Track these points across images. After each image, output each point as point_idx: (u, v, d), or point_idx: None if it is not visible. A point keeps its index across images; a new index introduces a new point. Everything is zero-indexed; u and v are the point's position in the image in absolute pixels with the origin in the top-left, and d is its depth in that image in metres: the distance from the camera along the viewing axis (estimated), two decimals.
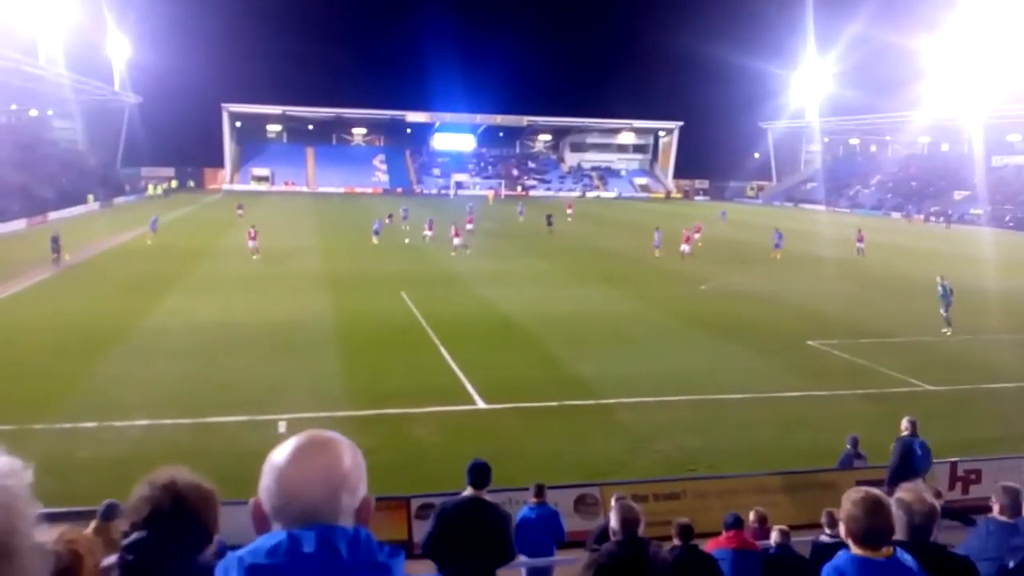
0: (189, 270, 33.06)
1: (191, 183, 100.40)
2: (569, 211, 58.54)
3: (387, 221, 50.44)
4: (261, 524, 1.65)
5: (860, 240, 43.43)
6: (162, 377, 17.71)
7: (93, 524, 7.06)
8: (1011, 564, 3.09)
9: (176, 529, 2.23)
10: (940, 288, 24.48)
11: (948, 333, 23.69)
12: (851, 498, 3.54)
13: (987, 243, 55.30)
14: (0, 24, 63.95)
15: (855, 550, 3.42)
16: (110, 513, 7.17)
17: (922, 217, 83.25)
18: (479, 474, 6.89)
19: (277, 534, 1.57)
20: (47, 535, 1.68)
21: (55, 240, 33.73)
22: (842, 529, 3.53)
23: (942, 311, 24.22)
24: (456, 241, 41.13)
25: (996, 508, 5.71)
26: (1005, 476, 7.69)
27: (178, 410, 15.36)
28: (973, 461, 12.32)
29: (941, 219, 79.59)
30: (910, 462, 10.52)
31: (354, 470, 1.66)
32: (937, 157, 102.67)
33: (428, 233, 45.46)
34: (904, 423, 10.98)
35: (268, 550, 1.55)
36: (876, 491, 3.59)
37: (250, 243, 37.80)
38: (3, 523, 1.37)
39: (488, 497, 6.91)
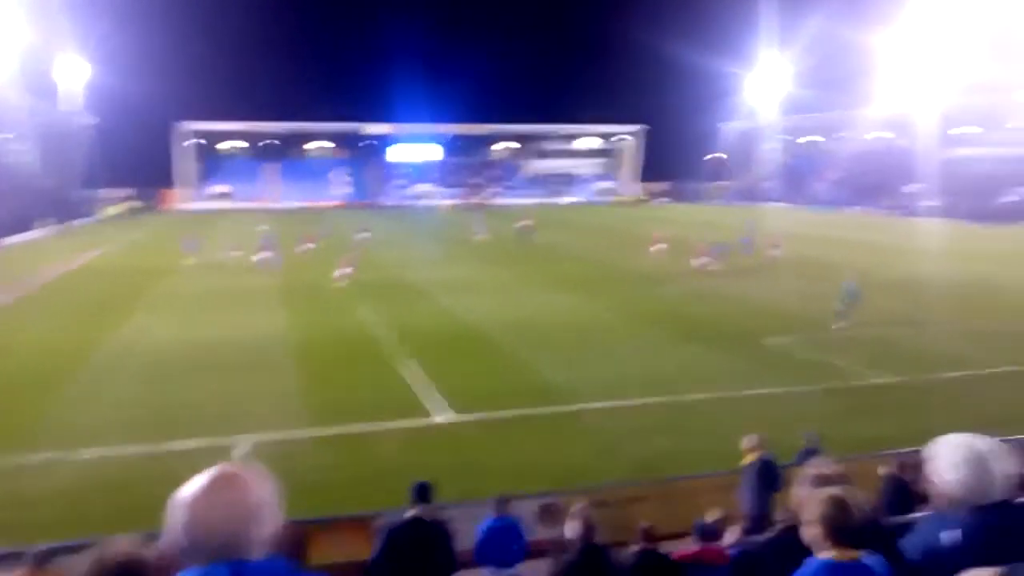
0: (141, 292, 32.56)
1: (143, 204, 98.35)
2: (525, 222, 54.25)
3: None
4: (171, 565, 1.64)
5: (775, 247, 40.67)
6: (115, 403, 17.36)
7: (21, 572, 6.54)
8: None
9: None
10: (846, 287, 24.81)
11: (842, 326, 24.02)
12: (817, 498, 3.58)
13: (940, 234, 56.47)
14: None
15: (823, 553, 3.46)
16: (43, 559, 6.75)
17: (877, 210, 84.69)
18: (421, 494, 7.32)
19: (189, 572, 1.55)
20: None
21: None
22: (808, 531, 3.55)
23: (840, 306, 24.54)
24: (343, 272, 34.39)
25: (935, 497, 5.83)
26: None
27: (133, 437, 15.05)
28: (923, 451, 12.49)
29: (897, 212, 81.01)
30: (764, 482, 10.19)
31: (264, 503, 1.64)
32: (890, 151, 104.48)
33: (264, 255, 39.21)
34: (751, 441, 10.53)
35: None
36: (842, 490, 3.64)
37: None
38: None
39: (441, 514, 7.08)
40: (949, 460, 3.07)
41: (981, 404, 16.54)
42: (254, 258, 38.46)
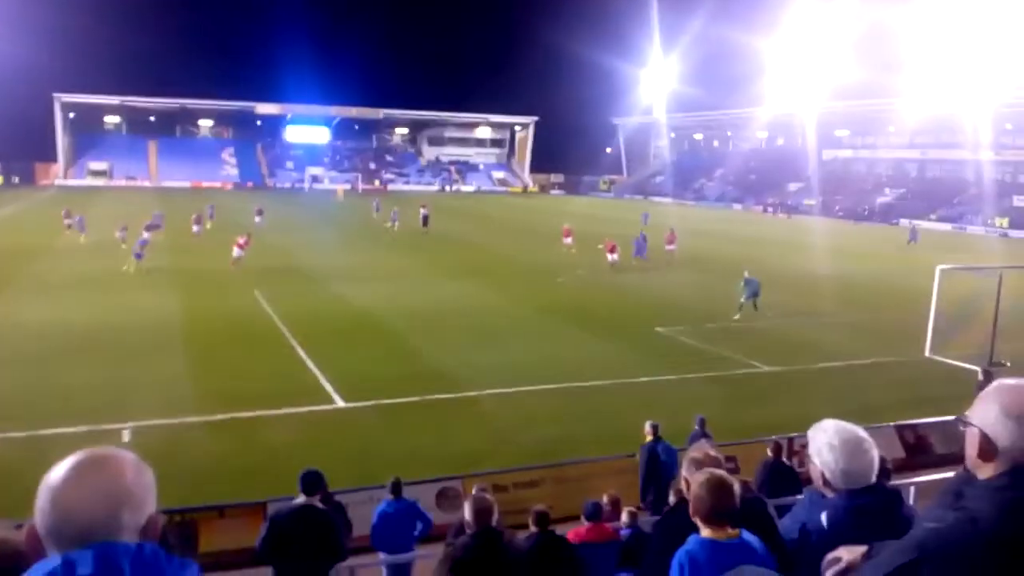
0: (16, 272, 30.70)
1: (16, 179, 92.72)
2: (423, 210, 52.51)
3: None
4: (36, 550, 1.56)
5: (671, 243, 39.58)
6: None
7: None
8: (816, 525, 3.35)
9: None
10: (744, 280, 25.85)
11: (737, 319, 24.99)
12: (697, 480, 3.73)
13: (820, 232, 59.38)
14: None
15: (704, 532, 3.61)
16: None
17: (761, 208, 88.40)
18: (309, 482, 7.32)
19: (51, 560, 1.48)
20: None
21: None
22: (692, 511, 3.70)
23: (741, 299, 25.51)
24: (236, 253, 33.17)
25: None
26: None
27: (10, 422, 14.26)
28: (804, 436, 13.15)
29: (778, 210, 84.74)
30: (656, 467, 10.65)
31: (137, 487, 1.57)
32: (774, 151, 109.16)
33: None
34: (646, 428, 11.02)
35: None
36: (721, 472, 3.80)
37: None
38: None
39: (338, 499, 7.09)
40: (827, 443, 3.25)
41: (855, 392, 17.53)
42: (145, 234, 36.55)
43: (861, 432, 3.27)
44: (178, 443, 13.43)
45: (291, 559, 6.90)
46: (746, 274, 26.24)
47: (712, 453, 4.70)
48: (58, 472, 1.56)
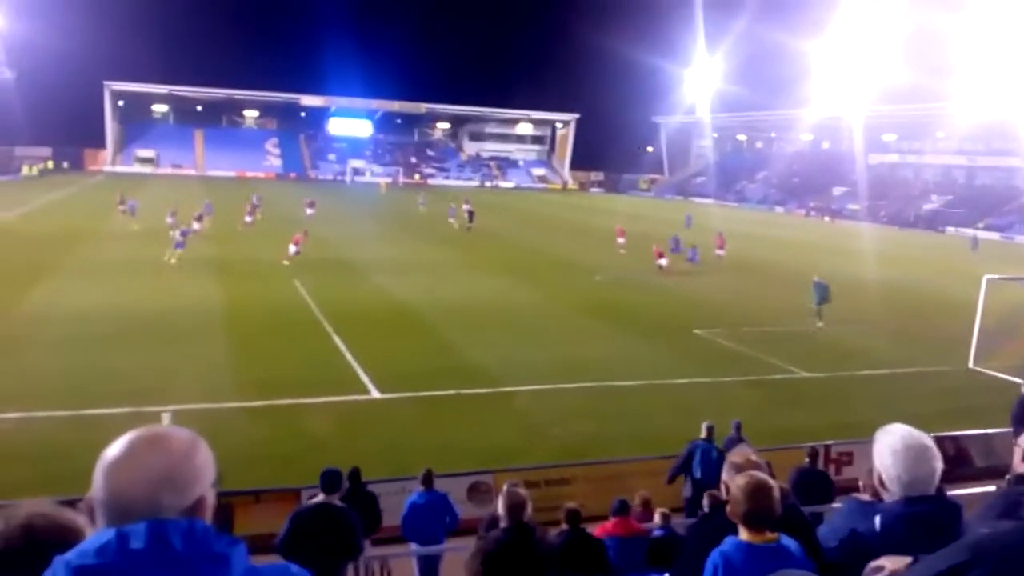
0: (65, 256, 31.40)
1: (66, 164, 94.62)
2: (466, 206, 51.68)
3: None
4: (95, 521, 1.61)
5: (720, 247, 39.14)
6: (39, 368, 16.79)
7: None
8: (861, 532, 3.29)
9: (31, 569, 2.11)
10: (815, 285, 25.42)
11: (821, 326, 24.55)
12: (738, 482, 3.70)
13: (864, 237, 58.39)
14: None
15: (742, 535, 3.59)
16: None
17: (803, 212, 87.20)
18: (329, 480, 7.62)
19: (105, 532, 1.51)
20: None
21: None
22: (731, 514, 3.69)
23: (814, 305, 25.12)
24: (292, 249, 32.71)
25: (862, 487, 6.08)
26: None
27: (56, 402, 14.61)
28: (846, 444, 13.00)
29: (823, 214, 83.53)
30: (689, 463, 10.71)
31: (184, 468, 1.60)
32: (819, 154, 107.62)
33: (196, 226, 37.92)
34: (703, 427, 11.07)
35: (96, 550, 1.49)
36: (762, 475, 3.77)
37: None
38: None
39: (372, 489, 7.25)
40: (889, 447, 3.19)
41: (895, 401, 17.22)
42: (195, 224, 37.01)
43: (927, 440, 3.20)
44: (216, 428, 13.61)
45: (310, 554, 7.08)
46: (816, 278, 25.79)
47: (753, 458, 4.66)
48: (114, 448, 1.60)
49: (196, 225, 35.89)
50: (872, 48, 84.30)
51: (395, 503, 9.45)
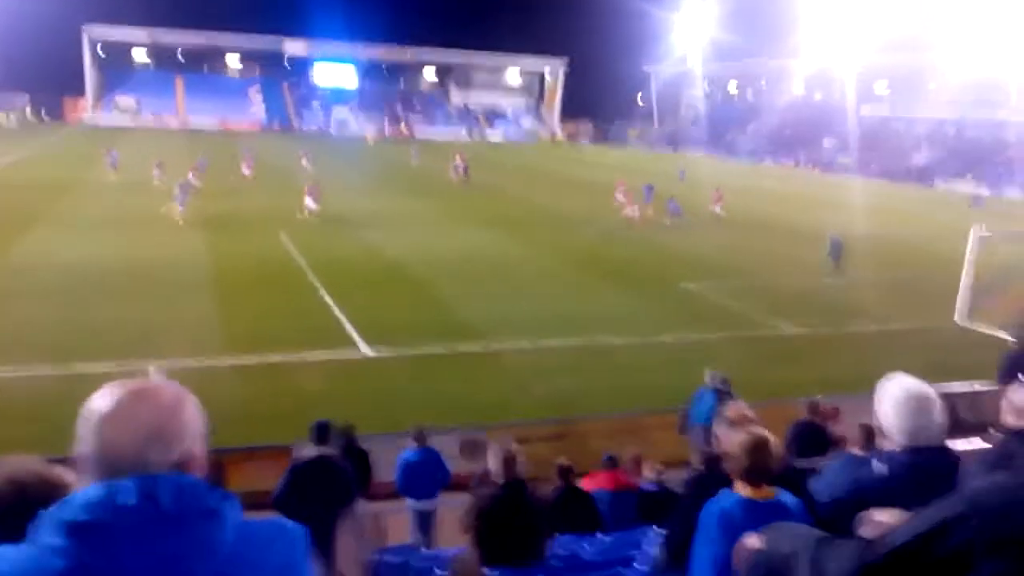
0: (50, 207, 30.99)
1: (43, 112, 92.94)
2: (459, 160, 50.16)
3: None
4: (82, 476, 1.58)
5: (717, 201, 37.63)
6: (21, 323, 16.66)
7: None
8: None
9: (19, 524, 2.06)
10: (830, 241, 25.53)
11: (830, 282, 24.47)
12: (737, 439, 3.68)
13: (856, 190, 58.21)
14: None
15: (740, 489, 3.57)
16: None
17: (793, 163, 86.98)
18: (321, 432, 7.89)
19: (93, 487, 1.48)
20: None
21: None
22: (727, 466, 3.67)
23: (828, 260, 25.33)
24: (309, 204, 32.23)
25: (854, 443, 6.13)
26: (864, 415, 8.21)
27: (40, 358, 14.51)
28: (832, 399, 13.07)
29: (813, 166, 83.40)
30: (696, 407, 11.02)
31: (173, 422, 1.57)
32: (810, 106, 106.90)
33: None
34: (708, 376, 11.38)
35: (84, 505, 1.46)
36: (762, 431, 3.75)
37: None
38: None
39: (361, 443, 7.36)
40: (891, 396, 3.17)
41: (883, 357, 17.31)
42: (191, 177, 36.13)
43: (929, 389, 3.19)
44: (204, 384, 13.47)
45: (305, 507, 7.12)
46: (831, 234, 25.86)
47: (748, 413, 4.65)
48: (100, 401, 1.55)
49: (191, 178, 35.12)
50: None
51: (387, 459, 9.47)
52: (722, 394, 12.51)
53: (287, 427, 11.41)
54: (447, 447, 10.45)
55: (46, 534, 1.44)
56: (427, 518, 9.04)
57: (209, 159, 46.86)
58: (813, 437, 9.42)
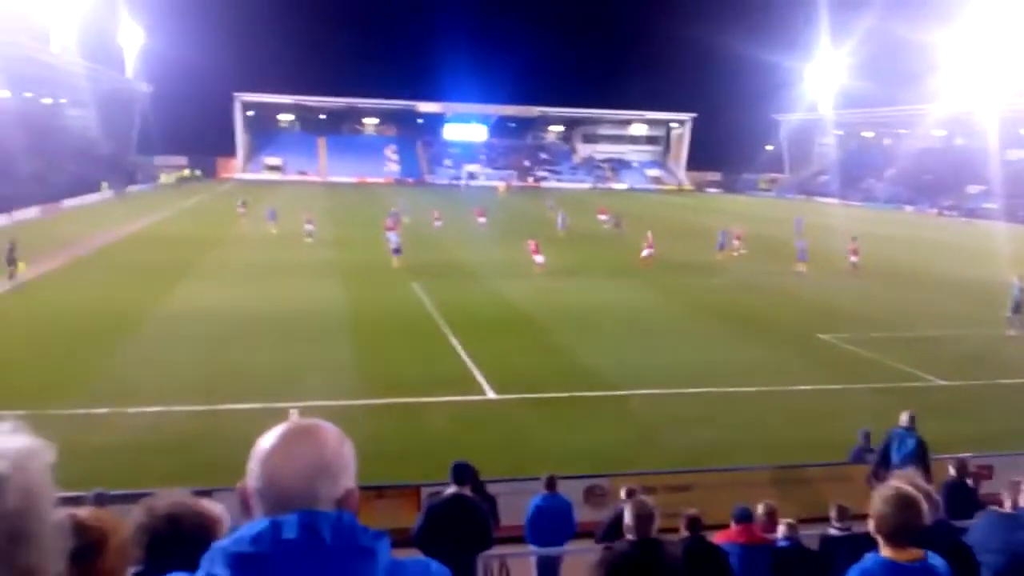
0: (201, 258, 33.19)
1: (197, 172, 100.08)
2: (602, 217, 53.10)
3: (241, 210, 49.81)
4: (247, 510, 1.67)
5: (854, 253, 35.82)
6: (174, 364, 17.80)
7: (86, 509, 7.00)
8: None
9: (176, 563, 2.22)
10: (1015, 289, 23.67)
11: (1012, 334, 22.96)
12: (881, 495, 3.47)
13: (1004, 238, 54.66)
14: (14, 11, 64.05)
15: (884, 551, 3.36)
16: (99, 501, 7.16)
17: (935, 211, 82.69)
18: (460, 473, 7.80)
19: (260, 521, 1.56)
20: (64, 514, 1.69)
21: (10, 249, 26.97)
22: (871, 526, 3.46)
23: (1009, 312, 23.56)
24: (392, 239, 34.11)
25: (1007, 502, 5.69)
26: (1018, 472, 7.62)
27: (190, 397, 15.44)
28: (985, 457, 12.21)
29: (958, 213, 78.98)
30: (887, 453, 10.54)
31: (336, 459, 1.65)
32: (951, 150, 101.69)
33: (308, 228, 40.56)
34: (904, 416, 10.84)
35: (251, 538, 1.54)
36: (907, 488, 3.52)
37: (306, 226, 40.01)
38: (22, 505, 1.34)
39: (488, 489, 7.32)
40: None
41: None
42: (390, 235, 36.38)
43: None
44: (339, 425, 14.07)
45: (444, 545, 7.13)
46: (1015, 280, 24.05)
47: (919, 482, 4.31)
48: (268, 439, 1.66)
49: (390, 235, 35.65)
50: (1005, 39, 79.14)
51: (512, 504, 9.49)
52: (859, 450, 11.95)
53: (415, 467, 11.68)
54: (572, 494, 10.37)
55: (214, 565, 1.53)
56: (552, 565, 8.95)
57: (401, 210, 48.92)
58: (962, 498, 8.78)
